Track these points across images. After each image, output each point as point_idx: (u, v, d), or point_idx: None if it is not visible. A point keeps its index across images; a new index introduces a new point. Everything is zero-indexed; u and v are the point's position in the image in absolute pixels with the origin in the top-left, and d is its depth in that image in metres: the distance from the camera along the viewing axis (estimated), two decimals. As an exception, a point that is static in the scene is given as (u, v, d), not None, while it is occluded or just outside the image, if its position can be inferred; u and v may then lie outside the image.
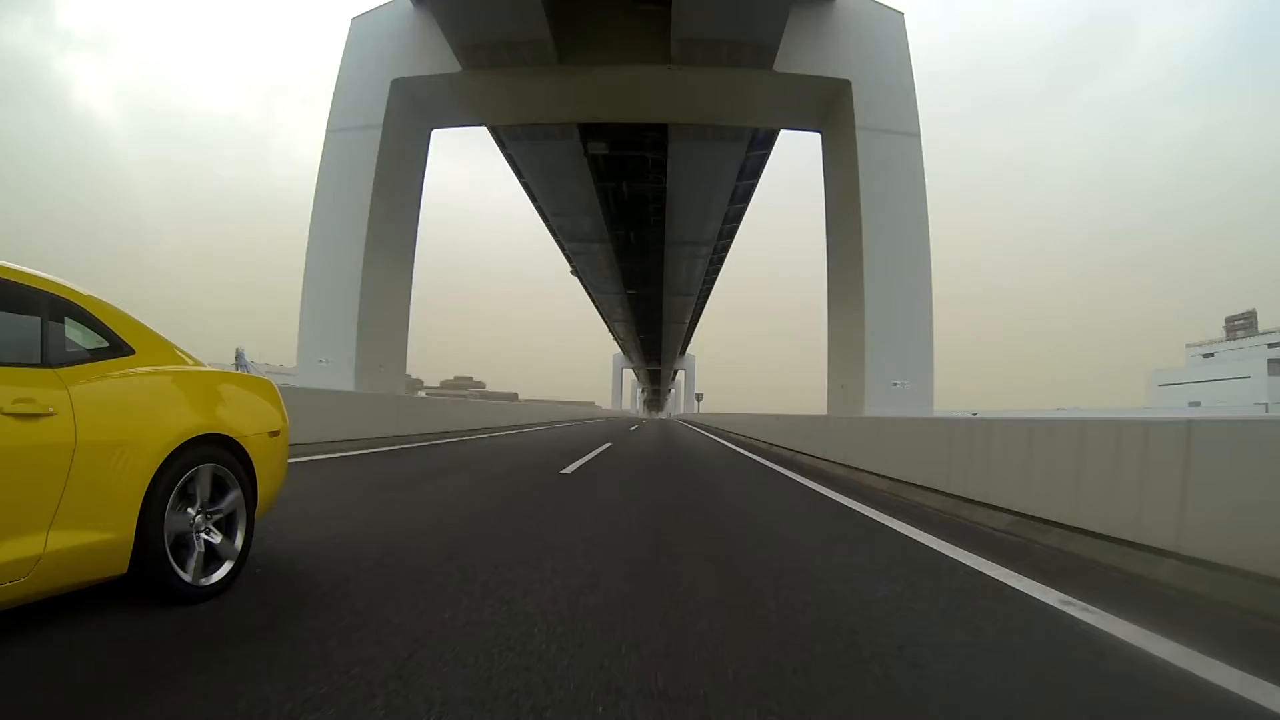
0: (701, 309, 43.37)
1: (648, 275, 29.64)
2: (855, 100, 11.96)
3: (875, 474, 6.60)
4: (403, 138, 13.48)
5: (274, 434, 2.70)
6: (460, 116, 14.65)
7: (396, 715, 1.43)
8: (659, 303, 36.74)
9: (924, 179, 12.22)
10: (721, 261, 30.26)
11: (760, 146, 16.90)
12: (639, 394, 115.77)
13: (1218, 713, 1.63)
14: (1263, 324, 64.91)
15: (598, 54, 11.78)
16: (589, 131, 15.21)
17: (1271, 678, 1.76)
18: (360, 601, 2.24)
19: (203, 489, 2.27)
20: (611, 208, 20.44)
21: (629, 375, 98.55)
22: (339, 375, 12.24)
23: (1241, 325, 68.75)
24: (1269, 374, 53.04)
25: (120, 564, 1.97)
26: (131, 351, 2.20)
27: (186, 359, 2.45)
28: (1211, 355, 63.84)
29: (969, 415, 6.04)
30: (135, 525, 1.97)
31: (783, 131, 15.73)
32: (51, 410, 1.80)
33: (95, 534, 1.87)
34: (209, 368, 2.58)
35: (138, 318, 2.30)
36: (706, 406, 68.12)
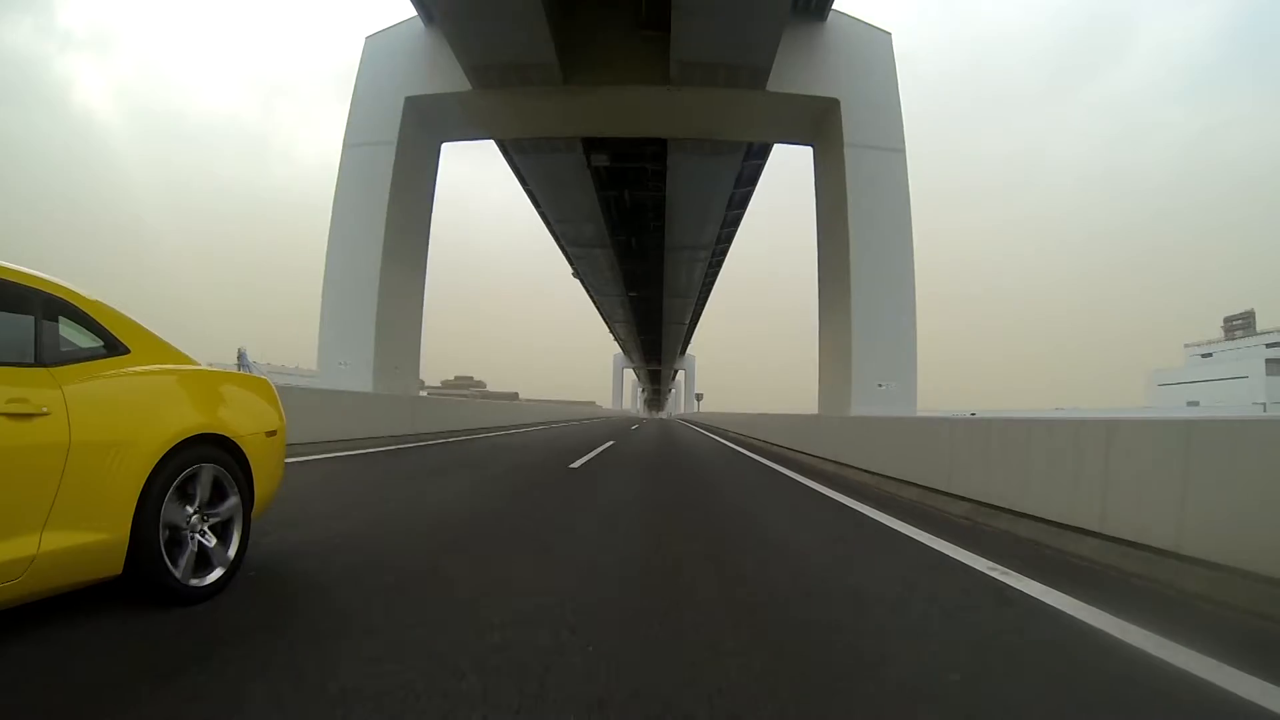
0: (701, 310, 43.81)
1: (648, 278, 30.11)
2: (844, 118, 12.66)
3: (861, 469, 7.10)
4: (415, 152, 14.13)
5: (271, 434, 2.68)
6: (470, 131, 15.30)
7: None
8: (659, 304, 37.19)
9: (909, 192, 12.94)
10: (720, 264, 30.79)
11: (756, 156, 17.50)
12: (639, 394, 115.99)
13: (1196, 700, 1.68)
14: (1261, 324, 65.06)
15: (601, 75, 12.39)
16: (592, 145, 15.75)
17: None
18: (428, 561, 2.96)
19: (202, 489, 2.26)
20: (613, 215, 21.06)
21: (629, 375, 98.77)
22: (357, 377, 12.91)
23: (1240, 325, 68.97)
24: (1267, 374, 52.95)
25: (115, 565, 1.95)
26: (127, 351, 2.17)
27: (183, 359, 2.42)
28: (1210, 355, 63.96)
29: (968, 415, 6.52)
30: (130, 526, 1.96)
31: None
32: (45, 410, 1.78)
33: (90, 534, 1.85)
34: (205, 367, 2.55)
35: (134, 317, 2.28)
36: (706, 406, 68.51)
